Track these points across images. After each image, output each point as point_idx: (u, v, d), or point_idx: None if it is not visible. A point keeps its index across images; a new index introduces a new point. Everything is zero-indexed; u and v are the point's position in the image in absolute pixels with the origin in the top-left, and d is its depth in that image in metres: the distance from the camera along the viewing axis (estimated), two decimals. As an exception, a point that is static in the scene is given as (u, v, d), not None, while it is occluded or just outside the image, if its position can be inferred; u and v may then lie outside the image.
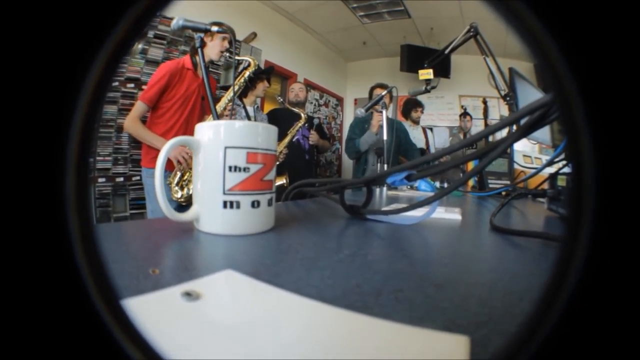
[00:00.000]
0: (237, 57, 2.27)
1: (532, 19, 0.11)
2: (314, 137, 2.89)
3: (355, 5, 3.41)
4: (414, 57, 3.72)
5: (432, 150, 3.50)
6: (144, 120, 1.85)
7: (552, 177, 0.59)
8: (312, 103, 4.41)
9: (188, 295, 0.20)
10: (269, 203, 0.38)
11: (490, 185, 1.21)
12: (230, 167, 0.35)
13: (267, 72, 2.51)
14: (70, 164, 0.14)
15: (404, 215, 0.47)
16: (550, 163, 0.53)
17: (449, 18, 3.31)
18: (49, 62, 0.13)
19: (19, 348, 0.13)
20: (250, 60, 1.81)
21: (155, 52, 2.56)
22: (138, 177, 2.20)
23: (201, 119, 1.89)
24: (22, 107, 0.13)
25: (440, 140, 4.05)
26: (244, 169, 0.35)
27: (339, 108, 5.21)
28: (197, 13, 2.62)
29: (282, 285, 0.22)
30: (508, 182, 1.22)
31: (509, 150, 1.36)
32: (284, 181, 2.30)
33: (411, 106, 3.25)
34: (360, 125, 2.94)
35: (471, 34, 1.57)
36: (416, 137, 3.37)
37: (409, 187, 1.22)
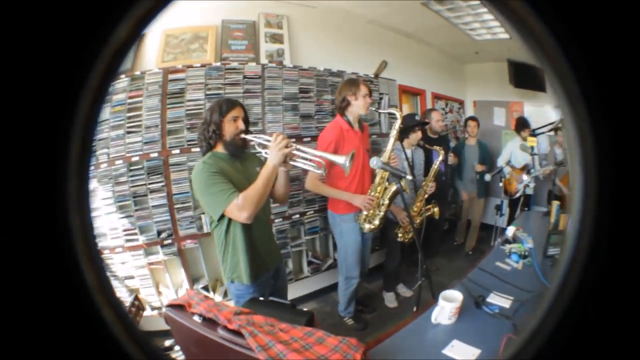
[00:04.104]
0: (383, 111, 3.06)
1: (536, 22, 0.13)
2: (452, 158, 3.29)
3: (463, 27, 3.85)
4: (519, 73, 4.05)
5: (537, 160, 3.97)
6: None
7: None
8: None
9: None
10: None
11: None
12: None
13: (422, 124, 2.78)
14: (72, 165, 0.17)
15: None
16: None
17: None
18: (53, 64, 0.15)
19: (24, 346, 0.16)
20: (395, 112, 2.27)
21: (306, 107, 2.85)
22: (311, 212, 2.81)
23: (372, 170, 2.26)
24: (24, 107, 0.16)
25: (542, 147, 4.35)
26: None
27: (461, 111, 5.40)
28: (326, 50, 3.07)
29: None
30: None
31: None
32: (433, 210, 2.73)
33: (521, 126, 3.75)
34: None
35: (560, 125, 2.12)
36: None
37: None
